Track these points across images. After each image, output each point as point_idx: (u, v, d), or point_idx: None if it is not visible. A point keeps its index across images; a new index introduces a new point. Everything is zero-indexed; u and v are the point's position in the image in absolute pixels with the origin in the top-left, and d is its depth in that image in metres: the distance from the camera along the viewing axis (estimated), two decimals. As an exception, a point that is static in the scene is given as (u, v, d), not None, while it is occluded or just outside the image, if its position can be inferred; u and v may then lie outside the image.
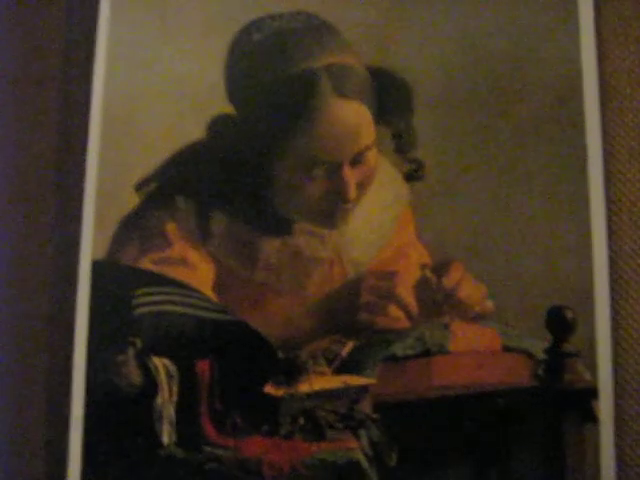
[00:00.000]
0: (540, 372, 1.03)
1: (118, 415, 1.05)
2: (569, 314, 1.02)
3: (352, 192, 1.09)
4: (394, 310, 1.07)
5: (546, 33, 1.09)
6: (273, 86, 1.09)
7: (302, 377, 1.04)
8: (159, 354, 1.06)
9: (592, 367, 1.00)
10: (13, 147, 1.20)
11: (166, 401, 1.04)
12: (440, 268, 1.07)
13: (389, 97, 1.10)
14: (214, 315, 1.07)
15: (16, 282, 1.16)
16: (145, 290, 1.07)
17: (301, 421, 1.03)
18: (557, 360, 1.02)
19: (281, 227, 1.10)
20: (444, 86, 1.10)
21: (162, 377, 1.04)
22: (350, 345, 1.06)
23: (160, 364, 1.05)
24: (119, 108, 1.14)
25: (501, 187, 1.08)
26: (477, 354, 1.05)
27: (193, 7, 1.16)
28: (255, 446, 1.02)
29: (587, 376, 1.01)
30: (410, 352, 1.05)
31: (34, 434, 1.12)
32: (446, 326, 1.06)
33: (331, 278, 1.10)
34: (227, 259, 1.10)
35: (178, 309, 1.07)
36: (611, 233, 1.04)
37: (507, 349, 1.05)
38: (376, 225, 1.12)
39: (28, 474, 1.11)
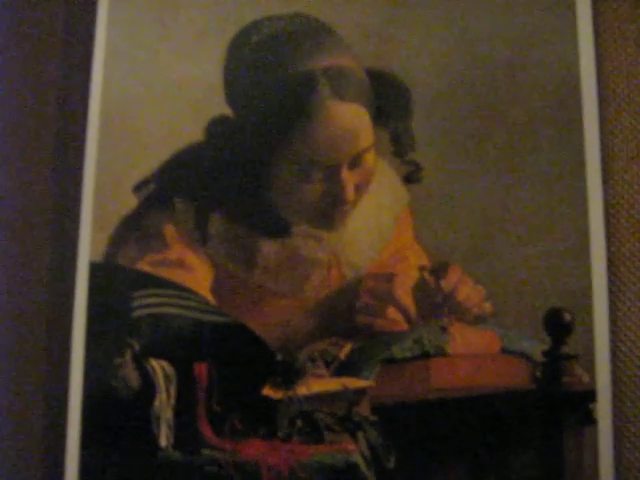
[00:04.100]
0: (538, 375, 1.03)
1: (116, 418, 1.05)
2: (567, 317, 1.02)
3: (350, 194, 1.09)
4: (392, 312, 1.07)
5: (544, 36, 1.09)
6: (271, 88, 1.09)
7: (300, 379, 1.04)
8: (157, 356, 1.05)
9: (590, 369, 1.00)
10: (11, 149, 1.19)
11: (164, 404, 1.04)
12: (438, 270, 1.07)
13: (387, 100, 1.10)
14: (212, 317, 1.07)
15: (14, 284, 1.16)
16: (143, 292, 1.07)
17: (299, 423, 1.03)
18: (555, 363, 1.02)
19: (279, 229, 1.10)
20: (442, 89, 1.10)
21: (160, 379, 1.04)
22: (348, 347, 1.06)
23: (158, 366, 1.05)
24: (117, 110, 1.14)
25: (499, 189, 1.08)
26: (475, 356, 1.05)
27: (191, 9, 1.16)
28: (253, 449, 1.02)
29: (585, 378, 1.01)
30: (408, 354, 1.05)
31: (31, 437, 1.11)
32: (444, 328, 1.06)
33: (329, 280, 1.10)
34: (225, 261, 1.09)
35: (176, 311, 1.07)
36: (609, 235, 1.04)
37: (505, 351, 1.05)
38: (374, 227, 1.12)
39: (26, 479, 1.11)
